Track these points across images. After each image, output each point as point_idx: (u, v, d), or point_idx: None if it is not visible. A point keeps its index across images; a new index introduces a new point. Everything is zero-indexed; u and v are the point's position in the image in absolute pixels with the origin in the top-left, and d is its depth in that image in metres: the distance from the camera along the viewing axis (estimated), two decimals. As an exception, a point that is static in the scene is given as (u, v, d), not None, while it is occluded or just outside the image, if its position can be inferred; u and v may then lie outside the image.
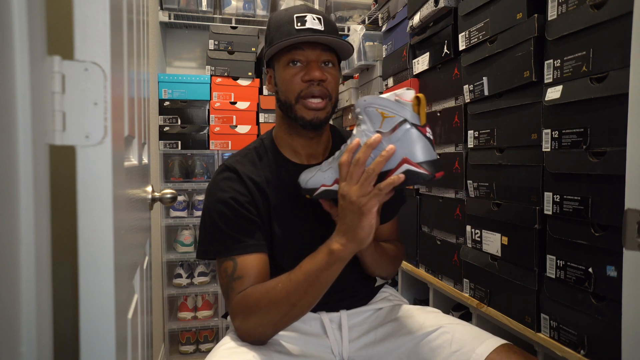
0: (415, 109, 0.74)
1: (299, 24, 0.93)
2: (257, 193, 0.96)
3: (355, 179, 0.76)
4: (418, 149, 0.74)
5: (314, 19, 0.94)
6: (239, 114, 2.36)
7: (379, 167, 0.74)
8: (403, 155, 0.74)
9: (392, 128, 0.75)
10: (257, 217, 0.95)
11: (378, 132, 0.76)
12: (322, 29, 0.94)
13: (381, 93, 1.96)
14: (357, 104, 0.79)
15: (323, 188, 0.85)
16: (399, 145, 0.74)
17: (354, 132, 0.81)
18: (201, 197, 2.34)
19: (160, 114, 2.26)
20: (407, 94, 0.75)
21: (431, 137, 0.76)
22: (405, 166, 0.74)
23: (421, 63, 1.58)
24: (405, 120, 0.74)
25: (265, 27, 1.04)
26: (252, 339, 0.88)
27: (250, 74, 2.38)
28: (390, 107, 0.75)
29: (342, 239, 0.79)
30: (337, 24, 2.60)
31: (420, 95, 0.74)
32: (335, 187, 0.84)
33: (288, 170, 0.99)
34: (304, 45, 0.93)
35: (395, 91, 0.76)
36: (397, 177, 0.73)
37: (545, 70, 1.00)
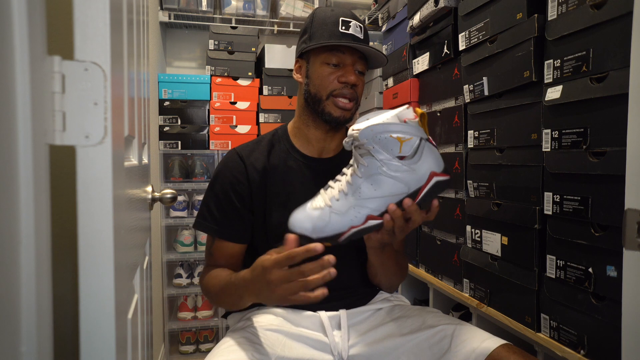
0: (420, 124, 0.77)
1: (343, 27, 0.98)
2: (257, 181, 1.02)
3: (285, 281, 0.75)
4: (438, 160, 0.78)
5: (357, 27, 1.00)
6: (239, 114, 2.36)
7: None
8: (429, 170, 0.77)
9: (414, 150, 0.76)
10: (249, 206, 1.01)
11: (400, 157, 0.75)
12: (362, 37, 1.01)
13: (381, 93, 1.96)
14: (361, 135, 0.75)
15: (353, 230, 0.78)
16: (423, 162, 0.77)
17: (364, 162, 0.77)
18: (201, 197, 2.34)
19: (160, 114, 2.26)
20: (409, 113, 0.76)
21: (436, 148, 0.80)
22: (435, 178, 0.77)
23: (421, 63, 1.58)
24: (421, 139, 0.76)
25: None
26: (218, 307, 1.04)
27: (250, 74, 2.38)
28: (404, 130, 0.75)
29: (252, 296, 0.84)
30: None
31: (421, 110, 0.77)
32: (370, 223, 0.78)
33: (296, 160, 1.05)
34: (345, 48, 0.98)
35: (395, 113, 0.75)
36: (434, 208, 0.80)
37: (545, 70, 1.00)
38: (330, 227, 0.78)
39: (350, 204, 0.78)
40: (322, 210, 0.79)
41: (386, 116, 0.75)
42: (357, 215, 0.77)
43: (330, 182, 0.83)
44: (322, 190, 0.83)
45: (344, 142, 0.80)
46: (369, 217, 0.78)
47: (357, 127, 0.76)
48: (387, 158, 0.75)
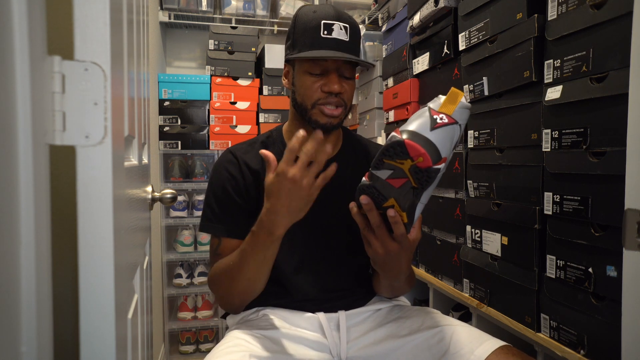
0: (445, 103, 0.75)
1: (325, 32, 0.93)
2: (251, 180, 1.01)
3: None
4: (412, 123, 0.72)
5: (340, 29, 0.94)
6: (239, 114, 2.36)
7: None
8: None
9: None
10: (246, 204, 1.01)
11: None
12: (347, 39, 0.95)
13: (381, 93, 1.96)
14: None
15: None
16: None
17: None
18: (201, 197, 2.35)
19: (160, 114, 2.26)
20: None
21: (441, 121, 0.72)
22: (392, 134, 0.71)
23: (421, 63, 1.58)
24: (428, 108, 0.75)
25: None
26: (225, 307, 1.03)
27: (250, 74, 2.38)
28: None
29: (283, 219, 0.82)
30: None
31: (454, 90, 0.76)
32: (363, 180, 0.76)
33: None
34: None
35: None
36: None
37: (545, 70, 1.00)
38: None
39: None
40: None
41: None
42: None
43: None
44: None
45: None
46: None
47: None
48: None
